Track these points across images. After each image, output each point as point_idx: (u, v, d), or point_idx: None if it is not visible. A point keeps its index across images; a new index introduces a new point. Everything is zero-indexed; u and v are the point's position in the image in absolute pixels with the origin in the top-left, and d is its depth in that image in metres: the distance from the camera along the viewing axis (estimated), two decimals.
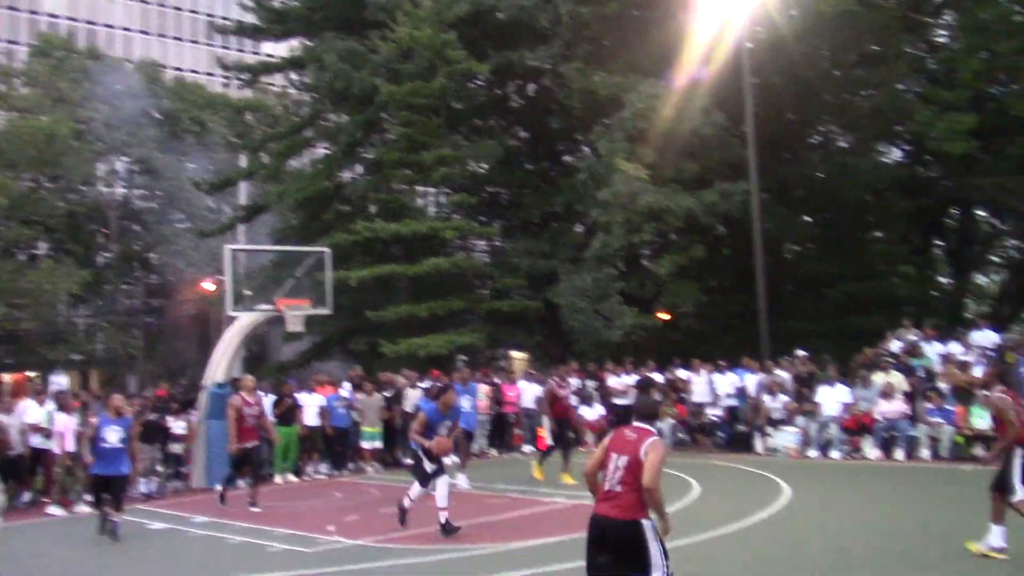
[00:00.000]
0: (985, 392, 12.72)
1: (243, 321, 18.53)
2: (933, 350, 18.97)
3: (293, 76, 35.20)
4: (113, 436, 11.73)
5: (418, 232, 26.81)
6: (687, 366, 21.78)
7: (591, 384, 21.39)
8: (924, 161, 30.69)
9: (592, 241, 26.05)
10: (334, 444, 18.47)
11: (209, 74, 45.31)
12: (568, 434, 16.18)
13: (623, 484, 5.97)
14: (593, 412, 20.55)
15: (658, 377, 21.75)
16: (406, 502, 11.38)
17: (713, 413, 20.60)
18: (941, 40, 27.69)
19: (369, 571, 9.42)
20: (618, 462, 6.05)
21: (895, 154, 31.55)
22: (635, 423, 6.30)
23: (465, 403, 16.46)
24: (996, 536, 8.69)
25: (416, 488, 11.35)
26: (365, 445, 18.58)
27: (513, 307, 27.94)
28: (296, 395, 18.13)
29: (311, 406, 18.18)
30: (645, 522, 5.91)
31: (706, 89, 24.22)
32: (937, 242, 34.00)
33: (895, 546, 9.72)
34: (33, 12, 69.49)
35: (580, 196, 27.16)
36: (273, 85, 38.47)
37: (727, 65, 23.82)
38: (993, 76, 23.63)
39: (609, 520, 5.96)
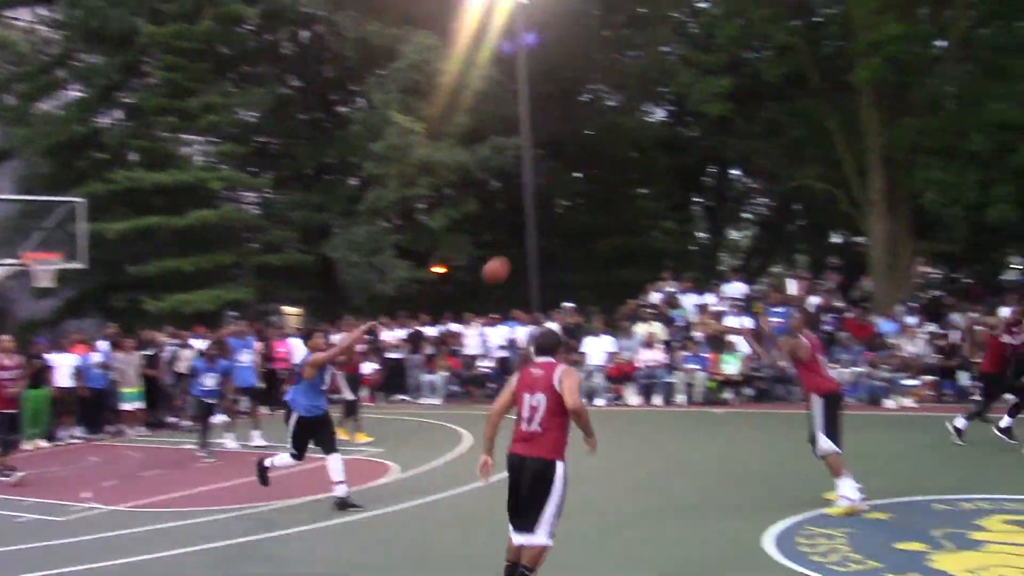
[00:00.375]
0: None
1: None
2: (689, 301, 20.11)
3: (42, 11, 32.40)
4: None
5: (183, 182, 25.59)
6: (460, 319, 22.02)
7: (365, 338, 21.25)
8: (685, 121, 32.33)
9: (366, 194, 25.79)
10: (90, 406, 17.50)
11: None
12: (358, 392, 16.08)
13: (542, 424, 5.84)
14: (366, 367, 20.45)
15: (431, 331, 21.95)
16: (338, 486, 9.72)
17: (485, 365, 20.97)
18: (703, 5, 28.97)
19: (124, 537, 9.01)
20: (532, 401, 5.89)
21: (659, 114, 33.01)
22: (537, 359, 6.12)
23: (244, 358, 16.07)
24: (845, 487, 8.31)
25: (333, 460, 9.79)
26: (125, 406, 17.69)
27: (285, 261, 27.29)
28: (46, 355, 17.06)
29: (64, 367, 17.16)
30: (559, 464, 5.83)
31: (481, 44, 24.33)
32: (696, 199, 36.03)
33: (655, 481, 10.36)
34: None
35: (354, 148, 26.74)
36: (18, 20, 35.30)
37: (502, 21, 23.98)
38: (748, 42, 24.99)
39: (529, 459, 5.81)
